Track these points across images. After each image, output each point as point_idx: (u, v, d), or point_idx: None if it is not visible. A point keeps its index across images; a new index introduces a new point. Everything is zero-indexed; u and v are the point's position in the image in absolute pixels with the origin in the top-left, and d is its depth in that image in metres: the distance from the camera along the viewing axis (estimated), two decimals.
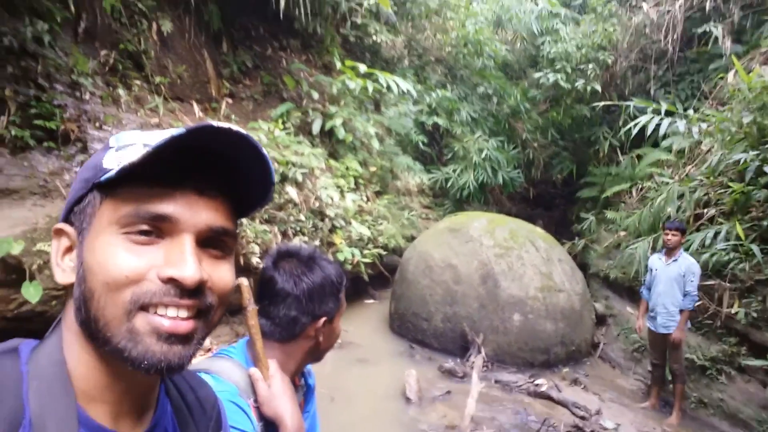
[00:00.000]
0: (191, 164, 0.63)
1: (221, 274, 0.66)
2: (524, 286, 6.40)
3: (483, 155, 11.08)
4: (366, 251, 7.55)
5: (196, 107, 6.73)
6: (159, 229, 0.61)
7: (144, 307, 0.59)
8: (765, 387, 5.00)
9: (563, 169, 12.29)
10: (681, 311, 5.11)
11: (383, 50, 11.48)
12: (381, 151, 9.53)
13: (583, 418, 4.90)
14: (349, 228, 7.43)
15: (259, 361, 1.20)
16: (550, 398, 5.32)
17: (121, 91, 5.41)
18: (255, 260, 5.57)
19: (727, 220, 6.06)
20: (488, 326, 6.28)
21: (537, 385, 5.62)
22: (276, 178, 0.70)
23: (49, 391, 0.60)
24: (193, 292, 0.60)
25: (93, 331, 0.60)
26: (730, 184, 6.14)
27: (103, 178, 0.61)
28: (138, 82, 5.84)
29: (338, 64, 8.60)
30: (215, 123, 0.60)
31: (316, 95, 8.25)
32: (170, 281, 0.59)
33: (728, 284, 5.61)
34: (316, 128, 8.04)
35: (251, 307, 1.19)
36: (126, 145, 0.65)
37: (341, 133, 8.10)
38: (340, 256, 6.89)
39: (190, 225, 0.62)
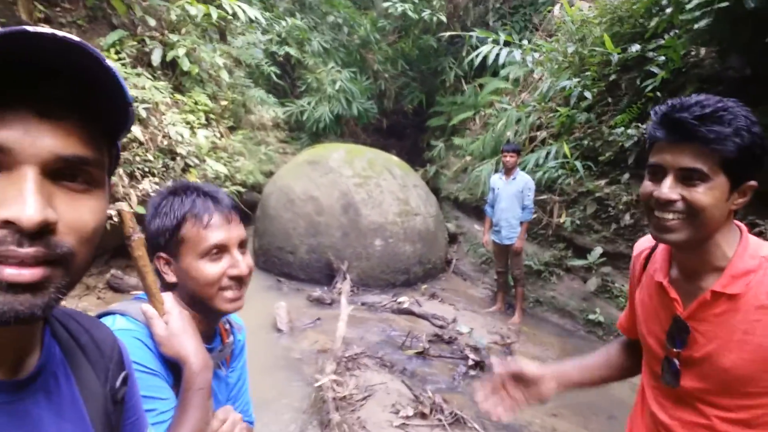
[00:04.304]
0: (26, 80, 0.53)
1: (81, 211, 0.57)
2: (384, 213, 6.71)
3: (337, 87, 11.05)
4: (224, 189, 7.28)
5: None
6: None
7: None
8: (585, 282, 5.89)
9: (413, 99, 12.71)
10: (521, 223, 5.73)
11: None
12: (231, 83, 9.05)
13: (441, 327, 5.42)
14: (204, 166, 7.08)
15: (152, 296, 1.08)
16: (412, 313, 5.78)
17: None
18: None
19: (556, 140, 6.81)
20: (352, 253, 6.53)
21: (399, 302, 6.05)
22: None
23: None
24: (35, 236, 0.51)
25: None
26: (558, 108, 6.87)
27: None
28: None
29: None
30: (31, 28, 0.49)
31: (152, 22, 7.47)
32: (6, 224, 0.50)
33: (557, 197, 6.40)
34: (156, 59, 7.35)
35: (136, 236, 1.04)
36: None
37: (185, 64, 7.51)
38: None
39: (29, 155, 0.52)
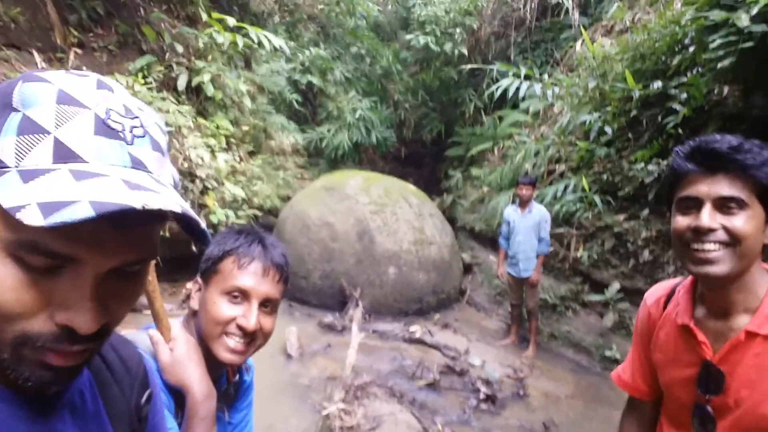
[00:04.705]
0: None
1: (127, 296, 0.57)
2: (398, 241, 6.68)
3: (357, 115, 11.17)
4: (241, 212, 7.34)
5: (37, 57, 5.99)
6: (60, 263, 0.50)
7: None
8: (601, 317, 5.77)
9: (432, 129, 12.78)
10: (538, 256, 5.66)
11: (252, 4, 10.97)
12: (253, 109, 9.21)
13: (453, 358, 5.32)
14: (222, 189, 7.17)
15: (159, 322, 1.06)
16: (423, 342, 5.69)
17: None
18: None
19: (574, 174, 6.76)
20: (365, 280, 6.49)
21: (411, 332, 5.96)
22: None
23: None
24: (87, 337, 0.52)
25: None
26: (578, 142, 6.84)
27: (52, 222, 0.44)
28: None
29: (204, 16, 8.07)
30: (139, 205, 0.47)
31: (180, 49, 7.69)
32: (64, 327, 0.51)
33: (575, 231, 6.33)
34: (181, 84, 7.53)
35: None
36: (30, 128, 0.50)
37: (210, 90, 7.68)
38: (213, 218, 6.65)
39: (96, 265, 0.51)
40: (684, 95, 5.30)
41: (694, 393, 1.19)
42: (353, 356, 4.79)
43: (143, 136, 0.56)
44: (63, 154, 0.49)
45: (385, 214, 6.87)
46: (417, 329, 6.02)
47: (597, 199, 6.05)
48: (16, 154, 0.49)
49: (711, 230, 1.08)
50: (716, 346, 1.15)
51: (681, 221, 1.14)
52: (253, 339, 1.14)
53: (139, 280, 0.59)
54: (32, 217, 0.43)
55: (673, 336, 1.26)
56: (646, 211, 5.62)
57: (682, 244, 1.14)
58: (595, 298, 5.85)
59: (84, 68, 6.52)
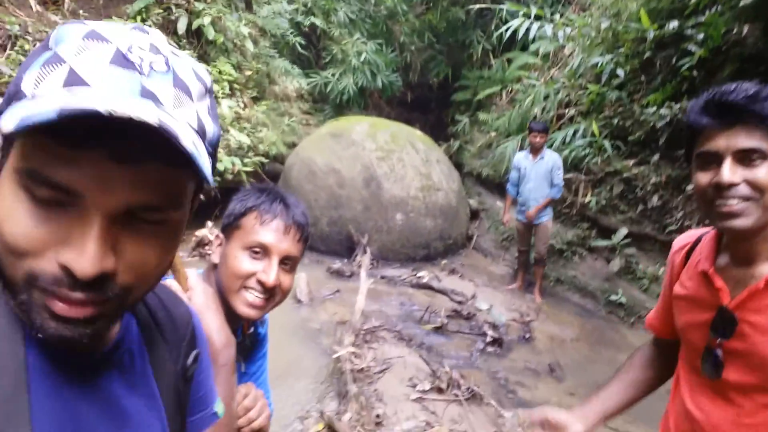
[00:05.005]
0: (107, 120, 0.46)
1: (146, 251, 0.54)
2: (405, 187, 6.67)
3: (362, 58, 10.90)
4: (247, 159, 7.30)
5: (32, 1, 5.82)
6: (65, 198, 0.49)
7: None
8: (608, 263, 5.81)
9: (439, 73, 12.48)
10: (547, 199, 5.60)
11: None
12: (256, 53, 9.00)
13: (460, 302, 5.42)
14: (228, 136, 7.10)
15: (177, 272, 1.06)
16: (431, 288, 5.79)
17: None
18: None
19: (584, 119, 6.65)
20: (372, 226, 6.53)
21: (419, 277, 6.05)
22: None
23: None
24: (89, 284, 0.49)
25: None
26: (588, 85, 6.68)
27: (15, 126, 0.43)
28: None
29: None
30: (103, 109, 0.43)
31: None
32: (65, 268, 0.49)
33: (584, 176, 6.28)
34: (181, 27, 7.32)
35: None
36: (53, 59, 0.49)
37: (211, 33, 7.48)
38: (220, 166, 6.63)
39: (99, 204, 0.49)
40: (701, 36, 5.12)
41: (706, 337, 1.21)
42: (362, 301, 4.87)
43: (165, 72, 0.53)
44: (72, 80, 0.48)
45: (392, 161, 6.83)
46: (425, 274, 6.10)
47: (607, 143, 5.97)
48: (35, 83, 0.49)
49: (732, 185, 1.06)
50: (735, 293, 1.16)
51: (702, 177, 1.12)
52: (272, 295, 1.16)
53: (163, 234, 0.55)
54: (7, 124, 0.44)
55: (694, 282, 1.27)
56: (656, 156, 5.55)
57: (705, 201, 1.12)
58: (602, 243, 5.88)
59: (80, 12, 6.36)
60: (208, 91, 0.59)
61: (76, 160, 0.47)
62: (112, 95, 0.48)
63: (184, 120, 0.53)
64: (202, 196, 0.76)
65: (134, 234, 0.52)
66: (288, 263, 1.19)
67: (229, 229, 1.19)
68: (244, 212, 1.17)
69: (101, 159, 0.48)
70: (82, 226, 0.49)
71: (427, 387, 3.68)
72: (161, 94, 0.51)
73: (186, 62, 0.56)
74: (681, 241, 1.40)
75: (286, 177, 7.20)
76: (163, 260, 0.57)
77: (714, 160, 1.09)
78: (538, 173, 5.58)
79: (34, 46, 4.96)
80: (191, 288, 1.07)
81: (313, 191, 6.75)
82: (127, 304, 0.56)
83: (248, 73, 8.63)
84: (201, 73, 0.58)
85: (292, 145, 8.59)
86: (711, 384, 1.22)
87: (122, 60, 0.50)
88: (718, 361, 1.18)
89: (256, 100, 8.81)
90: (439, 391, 3.65)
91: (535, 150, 5.62)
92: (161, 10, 7.25)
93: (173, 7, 7.38)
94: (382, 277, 6.06)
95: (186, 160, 0.49)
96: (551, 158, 5.58)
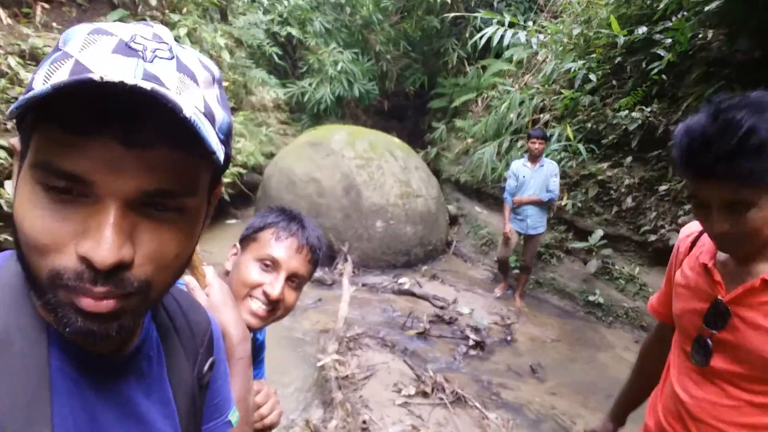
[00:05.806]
0: (112, 105, 0.47)
1: (164, 240, 0.54)
2: (385, 194, 6.70)
3: (338, 68, 10.94)
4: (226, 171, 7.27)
5: (1, 12, 5.73)
6: (78, 187, 0.49)
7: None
8: (585, 264, 5.91)
9: (415, 81, 12.58)
10: (541, 200, 5.50)
11: None
12: (232, 64, 8.98)
13: (442, 307, 5.45)
14: None
15: (195, 269, 1.08)
16: (412, 294, 5.81)
17: None
18: None
19: (559, 123, 6.78)
20: (353, 234, 6.54)
21: (400, 283, 6.07)
22: None
23: (13, 301, 0.55)
24: (109, 274, 0.49)
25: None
26: (562, 90, 6.82)
27: (14, 106, 0.46)
28: None
29: None
30: (97, 77, 0.44)
31: (153, 1, 7.40)
32: (85, 259, 0.49)
33: (560, 180, 6.37)
34: None
35: None
36: (61, 57, 0.50)
37: (187, 44, 7.44)
38: None
39: (111, 190, 0.49)
40: (669, 40, 5.28)
41: (699, 326, 1.27)
42: (345, 309, 4.87)
43: (169, 59, 0.52)
44: (77, 71, 0.48)
45: (371, 168, 6.86)
46: (406, 281, 6.13)
47: (581, 147, 6.08)
48: (44, 80, 0.50)
49: (721, 232, 1.11)
50: (731, 287, 1.22)
51: (696, 211, 1.18)
52: (275, 308, 1.22)
53: (180, 223, 0.55)
54: (12, 111, 0.47)
55: (694, 272, 1.33)
56: (629, 159, 5.68)
57: (701, 224, 1.20)
58: (579, 245, 5.98)
59: (53, 24, 6.27)
60: (216, 81, 0.59)
61: (85, 148, 0.48)
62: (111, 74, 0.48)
63: (190, 102, 0.53)
64: (223, 190, 0.76)
65: (151, 223, 0.52)
66: (295, 281, 1.25)
67: (246, 241, 1.27)
68: (262, 227, 1.26)
69: (110, 144, 0.48)
70: (98, 215, 0.49)
71: (412, 392, 3.70)
72: (165, 77, 0.51)
73: (191, 53, 0.57)
74: (688, 229, 1.45)
75: (265, 187, 7.18)
76: (182, 251, 0.57)
77: (703, 206, 1.13)
78: (538, 181, 5.46)
79: (6, 59, 4.90)
80: (209, 284, 1.10)
81: (293, 201, 6.73)
82: (150, 300, 0.56)
83: (225, 83, 8.59)
84: (208, 63, 0.59)
85: (270, 155, 8.57)
86: (699, 370, 1.28)
87: (125, 49, 0.50)
88: (707, 349, 1.24)
89: (233, 110, 8.78)
90: (424, 395, 3.67)
91: (534, 157, 5.51)
92: (136, 23, 7.19)
93: (148, 19, 7.33)
94: (364, 285, 6.06)
95: (195, 140, 0.49)
96: (550, 166, 5.50)
